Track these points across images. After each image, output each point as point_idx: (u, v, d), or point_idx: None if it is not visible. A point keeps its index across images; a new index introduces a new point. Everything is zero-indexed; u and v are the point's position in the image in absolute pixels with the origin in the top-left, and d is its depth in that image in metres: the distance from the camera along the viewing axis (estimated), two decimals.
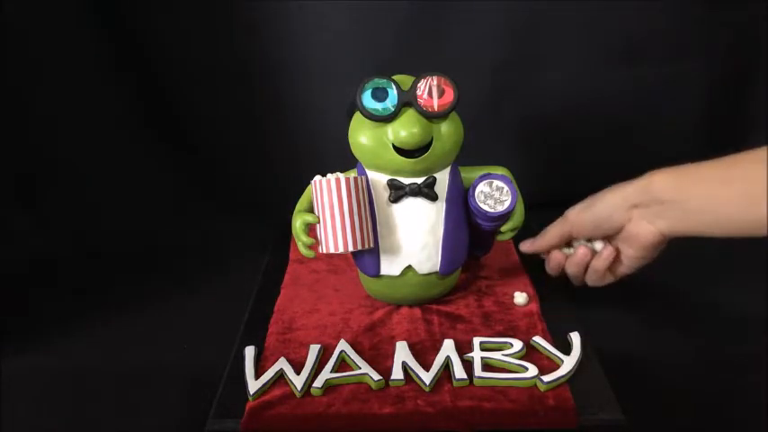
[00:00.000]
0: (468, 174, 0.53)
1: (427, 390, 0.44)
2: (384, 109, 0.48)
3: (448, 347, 0.48)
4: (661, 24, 0.72)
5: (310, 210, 0.51)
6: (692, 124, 0.76)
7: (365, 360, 0.47)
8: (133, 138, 0.76)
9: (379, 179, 0.51)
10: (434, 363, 0.46)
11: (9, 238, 0.68)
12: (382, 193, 0.51)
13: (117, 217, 0.74)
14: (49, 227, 0.72)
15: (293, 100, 0.76)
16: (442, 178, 0.51)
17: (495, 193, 0.51)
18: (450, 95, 0.49)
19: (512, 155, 0.75)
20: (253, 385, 0.44)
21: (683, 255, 0.66)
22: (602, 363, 0.47)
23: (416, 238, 0.51)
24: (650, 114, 0.76)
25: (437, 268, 0.52)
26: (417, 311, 0.54)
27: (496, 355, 0.47)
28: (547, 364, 0.46)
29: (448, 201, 0.51)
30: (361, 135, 0.50)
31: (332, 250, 0.49)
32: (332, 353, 0.48)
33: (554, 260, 0.57)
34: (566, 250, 0.57)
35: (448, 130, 0.49)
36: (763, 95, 0.74)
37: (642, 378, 0.49)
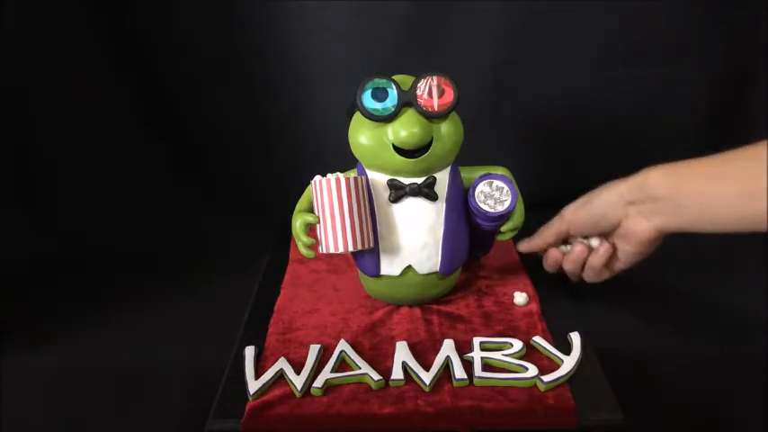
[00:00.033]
0: (468, 174, 0.53)
1: (427, 390, 0.44)
2: (384, 109, 0.48)
3: (448, 347, 0.48)
4: (661, 24, 0.72)
5: (310, 210, 0.51)
6: (692, 124, 0.76)
7: (365, 360, 0.47)
8: (133, 138, 0.76)
9: (379, 179, 0.51)
10: (434, 363, 0.46)
11: (9, 238, 0.68)
12: (382, 193, 0.51)
13: (117, 217, 0.74)
14: (49, 227, 0.72)
15: (293, 100, 0.76)
16: (442, 178, 0.51)
17: (495, 193, 0.51)
18: (450, 95, 0.49)
19: (512, 155, 0.75)
20: (253, 385, 0.44)
21: (684, 255, 0.66)
22: (602, 363, 0.47)
23: (416, 238, 0.51)
24: (650, 114, 0.76)
25: (437, 268, 0.52)
26: (417, 311, 0.54)
27: (496, 355, 0.47)
28: (547, 364, 0.46)
29: (448, 201, 0.51)
30: (361, 135, 0.50)
31: (332, 250, 0.49)
32: (332, 353, 0.48)
33: (551, 258, 0.58)
34: (563, 248, 0.58)
35: (448, 130, 0.49)
36: (763, 95, 0.74)
37: (642, 378, 0.49)
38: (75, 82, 0.70)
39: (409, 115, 0.48)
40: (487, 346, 0.49)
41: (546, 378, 0.44)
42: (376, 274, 0.52)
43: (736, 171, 0.46)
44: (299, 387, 0.44)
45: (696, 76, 0.75)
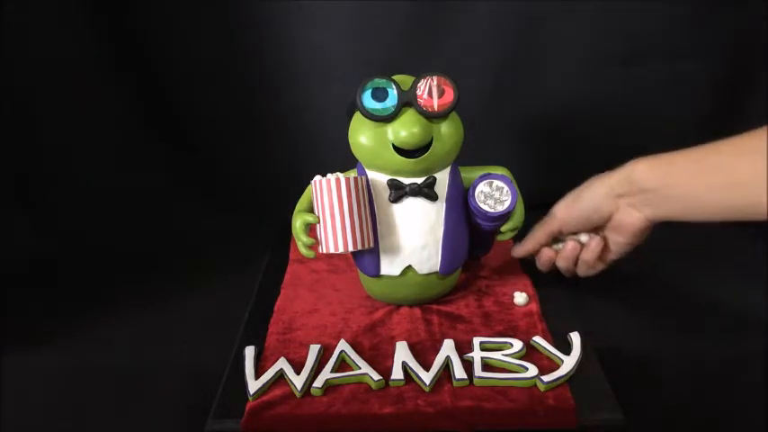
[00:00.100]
0: (468, 174, 0.53)
1: (427, 390, 0.44)
2: (384, 109, 0.48)
3: (448, 347, 0.48)
4: (661, 24, 0.72)
5: (310, 210, 0.51)
6: (692, 124, 0.76)
7: (365, 360, 0.47)
8: (133, 138, 0.76)
9: (379, 179, 0.51)
10: (434, 363, 0.46)
11: (9, 238, 0.68)
12: (382, 193, 0.51)
13: (117, 217, 0.74)
14: (48, 227, 0.72)
15: (293, 100, 0.76)
16: (442, 178, 0.51)
17: (495, 193, 0.51)
18: (450, 95, 0.49)
19: (512, 155, 0.75)
20: (253, 385, 0.44)
21: (684, 255, 0.66)
22: (602, 363, 0.47)
23: (416, 238, 0.51)
24: (650, 114, 0.76)
25: (437, 268, 0.52)
26: (417, 311, 0.54)
27: (496, 355, 0.47)
28: (547, 364, 0.46)
29: (448, 201, 0.51)
30: (361, 135, 0.50)
31: (332, 250, 0.49)
32: (332, 353, 0.48)
33: (545, 257, 0.58)
34: (555, 246, 0.58)
35: (448, 130, 0.49)
36: (763, 96, 0.74)
37: (642, 378, 0.49)
38: (75, 82, 0.70)
39: (409, 115, 0.48)
40: (487, 346, 0.49)
41: (546, 378, 0.44)
42: (376, 274, 0.52)
43: (720, 162, 0.47)
44: (299, 387, 0.44)
45: (696, 76, 0.75)
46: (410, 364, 0.46)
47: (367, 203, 0.50)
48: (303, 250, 0.50)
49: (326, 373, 0.45)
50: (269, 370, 0.46)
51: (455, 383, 0.45)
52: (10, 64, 0.66)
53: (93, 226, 0.73)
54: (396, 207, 0.51)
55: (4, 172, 0.68)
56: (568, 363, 0.46)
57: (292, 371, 0.46)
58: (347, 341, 0.49)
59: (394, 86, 0.48)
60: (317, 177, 0.49)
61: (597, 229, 0.55)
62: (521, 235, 0.56)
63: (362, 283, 0.56)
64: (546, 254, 0.58)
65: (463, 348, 0.48)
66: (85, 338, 0.56)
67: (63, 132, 0.72)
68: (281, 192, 0.61)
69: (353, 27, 0.72)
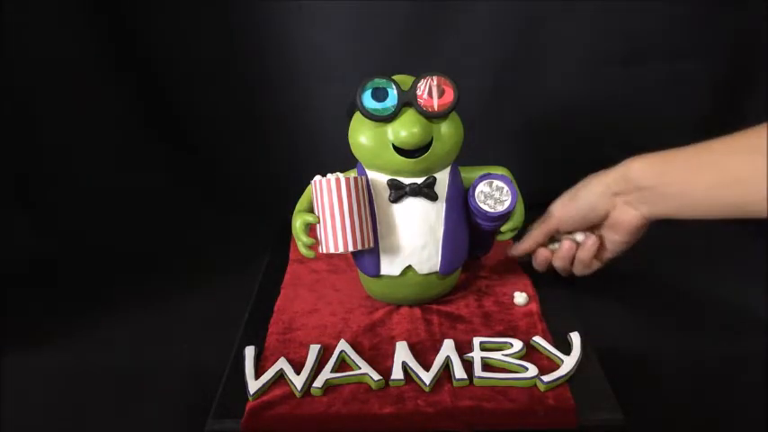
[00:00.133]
0: (468, 174, 0.53)
1: (427, 390, 0.44)
2: (384, 109, 0.48)
3: (448, 347, 0.48)
4: (661, 24, 0.72)
5: (310, 210, 0.51)
6: (692, 124, 0.76)
7: (365, 360, 0.47)
8: (133, 138, 0.76)
9: (379, 179, 0.51)
10: (434, 363, 0.46)
11: (9, 238, 0.68)
12: (382, 193, 0.51)
13: (117, 217, 0.74)
14: (48, 227, 0.72)
15: (293, 100, 0.76)
16: (442, 178, 0.51)
17: (495, 193, 0.51)
18: (450, 95, 0.49)
19: (512, 155, 0.75)
20: (253, 385, 0.44)
21: (684, 255, 0.66)
22: (602, 363, 0.47)
23: (416, 238, 0.51)
24: (650, 114, 0.76)
25: (437, 268, 0.52)
26: (417, 311, 0.54)
27: (496, 355, 0.47)
28: (547, 364, 0.46)
29: (448, 201, 0.51)
30: (361, 135, 0.50)
31: (332, 250, 0.49)
32: (332, 353, 0.48)
33: (541, 257, 0.58)
34: (551, 246, 0.58)
35: (448, 130, 0.49)
36: (763, 96, 0.74)
37: (642, 378, 0.49)
38: (75, 82, 0.70)
39: (409, 115, 0.48)
40: (487, 346, 0.49)
41: (546, 378, 0.44)
42: (376, 274, 0.52)
43: (716, 160, 0.47)
44: (299, 387, 0.44)
45: (696, 76, 0.75)
46: (410, 364, 0.46)
47: (367, 203, 0.50)
48: (303, 250, 0.50)
49: (326, 373, 0.45)
50: (269, 370, 0.46)
51: (455, 383, 0.45)
52: (10, 64, 0.66)
53: (93, 226, 0.73)
54: (396, 207, 0.51)
55: (4, 172, 0.68)
56: (568, 363, 0.46)
57: (292, 371, 0.46)
58: (347, 341, 0.49)
59: (394, 86, 0.48)
60: (317, 177, 0.49)
61: (594, 227, 0.56)
62: (520, 235, 0.56)
63: (362, 283, 0.56)
64: (542, 254, 0.58)
65: (463, 348, 0.48)
66: (85, 338, 0.56)
67: (63, 132, 0.72)
68: (281, 192, 0.61)
69: (353, 27, 0.72)
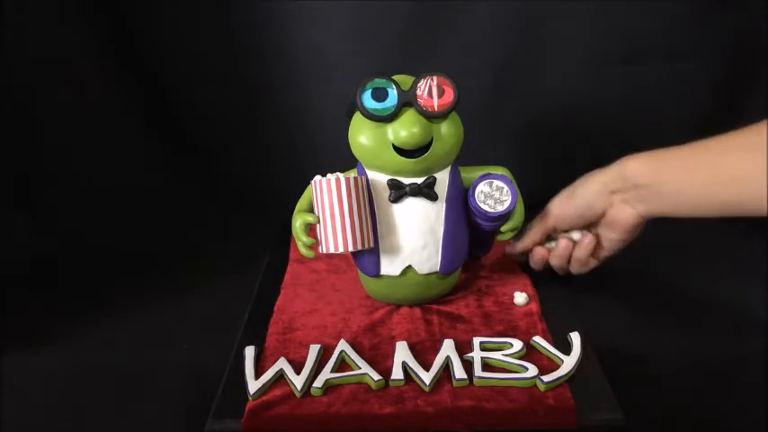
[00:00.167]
0: (468, 174, 0.53)
1: (427, 390, 0.44)
2: (384, 109, 0.48)
3: (448, 347, 0.48)
4: (661, 24, 0.72)
5: (310, 210, 0.51)
6: (692, 124, 0.76)
7: (365, 360, 0.47)
8: (133, 138, 0.76)
9: (379, 179, 0.51)
10: (434, 363, 0.46)
11: (9, 238, 0.68)
12: (382, 193, 0.51)
13: (117, 217, 0.74)
14: (48, 227, 0.72)
15: (293, 100, 0.76)
16: (442, 178, 0.51)
17: (495, 193, 0.51)
18: (450, 95, 0.49)
19: (512, 155, 0.75)
20: (253, 385, 0.44)
21: (684, 254, 0.66)
22: (602, 363, 0.47)
23: (416, 238, 0.51)
24: (650, 114, 0.76)
25: (437, 268, 0.52)
26: (417, 311, 0.54)
27: (496, 355, 0.47)
28: (547, 364, 0.46)
29: (448, 201, 0.51)
30: (361, 135, 0.50)
31: (332, 250, 0.49)
32: (332, 353, 0.48)
33: (538, 255, 0.58)
34: (547, 245, 0.58)
35: (448, 131, 0.49)
36: (763, 96, 0.74)
37: (642, 378, 0.49)
38: (75, 82, 0.70)
39: (409, 115, 0.48)
40: (487, 346, 0.49)
41: (546, 378, 0.44)
42: (376, 274, 0.52)
43: (712, 158, 0.48)
44: (299, 387, 0.44)
45: (696, 76, 0.75)
46: (410, 364, 0.46)
47: (367, 203, 0.50)
48: (303, 250, 0.50)
49: (326, 373, 0.45)
50: (269, 370, 0.46)
51: (455, 383, 0.45)
52: (10, 64, 0.66)
53: (93, 226, 0.73)
54: (396, 207, 0.51)
55: (4, 172, 0.68)
56: (568, 363, 0.46)
57: (292, 371, 0.46)
58: (347, 341, 0.49)
59: (394, 86, 0.48)
60: (317, 177, 0.49)
61: (591, 225, 0.56)
62: (519, 234, 0.56)
63: (362, 283, 0.56)
64: (539, 252, 0.58)
65: (463, 348, 0.48)
66: (85, 338, 0.56)
67: (63, 132, 0.72)
68: (281, 192, 0.61)
69: (353, 27, 0.72)
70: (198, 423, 0.42)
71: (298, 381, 0.45)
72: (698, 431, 0.46)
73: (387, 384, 0.45)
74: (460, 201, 0.52)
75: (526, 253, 0.59)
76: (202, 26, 0.72)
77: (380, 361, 0.47)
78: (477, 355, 0.47)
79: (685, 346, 0.53)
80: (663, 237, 0.63)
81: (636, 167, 0.51)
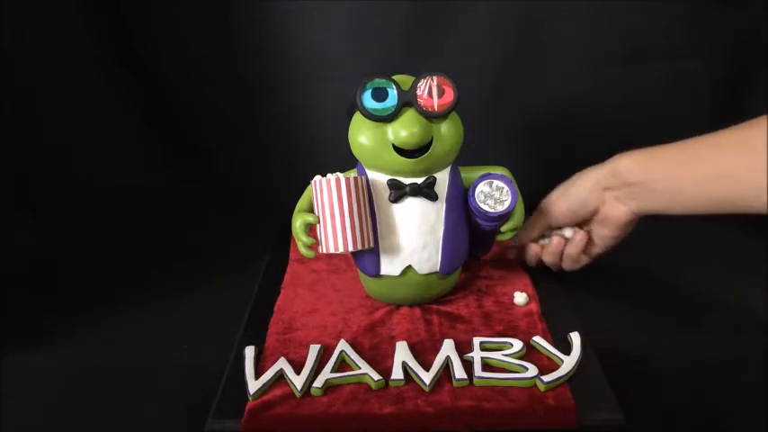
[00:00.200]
0: (468, 174, 0.53)
1: (427, 390, 0.44)
2: (384, 109, 0.48)
3: (448, 347, 0.48)
4: (661, 24, 0.72)
5: (310, 210, 0.51)
6: (692, 124, 0.76)
7: (365, 360, 0.47)
8: (133, 138, 0.76)
9: (379, 179, 0.51)
10: (434, 363, 0.46)
11: (9, 238, 0.68)
12: (382, 193, 0.51)
13: (117, 217, 0.74)
14: (48, 227, 0.72)
15: (293, 100, 0.76)
16: (442, 178, 0.51)
17: (495, 193, 0.51)
18: (450, 95, 0.49)
19: (512, 155, 0.75)
20: (253, 385, 0.44)
21: (684, 254, 0.66)
22: (602, 363, 0.47)
23: (416, 237, 0.51)
24: (650, 114, 0.76)
25: (437, 268, 0.52)
26: (417, 311, 0.54)
27: (496, 355, 0.47)
28: (547, 364, 0.46)
29: (448, 201, 0.51)
30: (361, 135, 0.50)
31: (332, 250, 0.49)
32: (332, 353, 0.48)
33: (533, 252, 0.59)
34: (541, 242, 0.58)
35: (448, 131, 0.49)
36: (763, 96, 0.74)
37: (642, 378, 0.49)
38: (75, 82, 0.70)
39: (409, 115, 0.48)
40: (487, 346, 0.49)
41: (546, 378, 0.44)
42: (376, 274, 0.52)
43: (703, 155, 0.48)
44: (299, 387, 0.44)
45: (696, 76, 0.75)
46: (410, 364, 0.46)
47: (367, 203, 0.50)
48: (303, 250, 0.50)
49: (326, 373, 0.45)
50: (269, 370, 0.46)
51: (455, 383, 0.45)
52: (10, 64, 0.66)
53: (93, 226, 0.73)
54: (396, 207, 0.51)
55: (4, 172, 0.68)
56: (568, 363, 0.46)
57: (292, 371, 0.46)
58: (347, 341, 0.49)
59: (394, 86, 0.48)
60: (317, 177, 0.49)
61: (584, 222, 0.56)
62: None
63: (362, 283, 0.56)
64: (534, 249, 0.59)
65: (463, 348, 0.48)
66: (85, 338, 0.56)
67: (63, 132, 0.72)
68: (281, 192, 0.61)
69: (353, 27, 0.72)
70: (198, 423, 0.42)
71: (298, 381, 0.45)
72: (698, 431, 0.46)
73: (387, 384, 0.45)
74: (460, 201, 0.52)
75: (520, 249, 0.59)
76: (202, 26, 0.72)
77: (380, 361, 0.47)
78: (477, 355, 0.47)
79: (685, 346, 0.53)
80: (663, 237, 0.63)
81: (628, 165, 0.51)
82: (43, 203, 0.72)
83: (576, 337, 0.49)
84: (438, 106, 0.48)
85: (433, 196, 0.51)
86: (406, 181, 0.50)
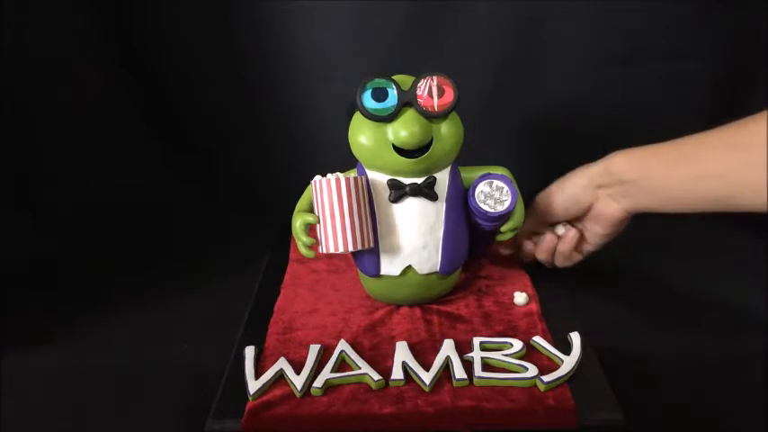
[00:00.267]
0: (468, 174, 0.53)
1: (427, 390, 0.44)
2: (384, 109, 0.48)
3: (448, 347, 0.48)
4: (661, 24, 0.72)
5: (310, 210, 0.51)
6: (692, 124, 0.76)
7: (365, 360, 0.47)
8: (133, 138, 0.76)
9: (379, 179, 0.51)
10: (434, 363, 0.46)
11: (9, 238, 0.68)
12: (382, 193, 0.51)
13: (117, 217, 0.74)
14: (48, 227, 0.72)
15: (293, 100, 0.76)
16: (442, 178, 0.51)
17: (495, 193, 0.51)
18: (450, 95, 0.49)
19: (512, 155, 0.75)
20: (253, 385, 0.44)
21: (684, 255, 0.66)
22: (602, 363, 0.47)
23: (416, 238, 0.51)
24: (650, 114, 0.76)
25: (437, 268, 0.52)
26: (417, 311, 0.54)
27: (496, 355, 0.47)
28: (547, 364, 0.46)
29: (448, 201, 0.51)
30: (361, 135, 0.50)
31: (332, 250, 0.49)
32: (332, 353, 0.48)
33: (527, 249, 0.59)
34: (535, 238, 0.58)
35: (448, 131, 0.49)
36: (763, 95, 0.74)
37: (642, 378, 0.49)
38: (75, 82, 0.70)
39: (409, 115, 0.48)
40: (487, 346, 0.49)
41: (546, 378, 0.44)
42: (376, 274, 0.52)
43: (695, 154, 0.48)
44: (299, 387, 0.44)
45: (696, 76, 0.75)
46: (410, 364, 0.46)
47: (367, 203, 0.50)
48: (303, 250, 0.50)
49: (326, 373, 0.45)
50: (269, 370, 0.46)
51: (455, 383, 0.45)
52: (10, 64, 0.66)
53: (93, 226, 0.73)
54: (396, 207, 0.51)
55: (4, 172, 0.68)
56: (568, 363, 0.46)
57: (292, 371, 0.46)
58: (347, 341, 0.49)
59: (394, 86, 0.48)
60: (317, 177, 0.49)
61: (577, 219, 0.56)
62: None
63: (362, 283, 0.56)
64: (528, 246, 0.59)
65: (463, 348, 0.48)
66: (85, 338, 0.56)
67: (63, 132, 0.72)
68: (281, 192, 0.61)
69: (353, 27, 0.72)
70: (198, 423, 0.42)
71: (298, 381, 0.45)
72: (698, 431, 0.46)
73: (387, 384, 0.45)
74: (460, 201, 0.52)
75: (515, 246, 0.60)
76: (202, 26, 0.72)
77: (380, 361, 0.47)
78: (477, 355, 0.47)
79: (685, 346, 0.53)
80: (663, 237, 0.63)
81: (622, 163, 0.51)
82: (43, 203, 0.72)
83: (575, 337, 0.49)
84: (438, 106, 0.48)
85: (432, 196, 0.51)
86: (406, 181, 0.50)
